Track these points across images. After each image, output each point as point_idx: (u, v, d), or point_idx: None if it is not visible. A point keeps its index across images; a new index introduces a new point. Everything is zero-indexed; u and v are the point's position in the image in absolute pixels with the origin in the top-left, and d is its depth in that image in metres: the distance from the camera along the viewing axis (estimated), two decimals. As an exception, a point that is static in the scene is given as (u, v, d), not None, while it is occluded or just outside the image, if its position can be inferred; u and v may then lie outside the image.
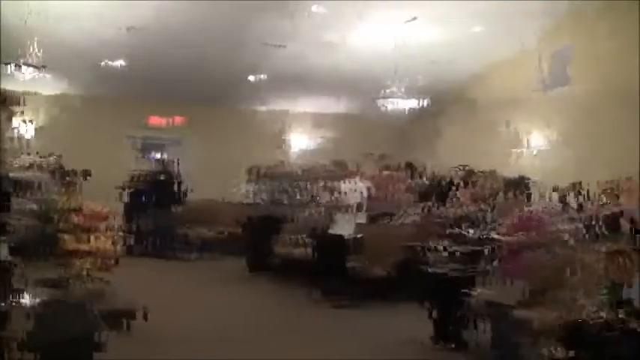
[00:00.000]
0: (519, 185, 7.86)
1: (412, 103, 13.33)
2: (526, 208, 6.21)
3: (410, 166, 10.06)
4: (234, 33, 12.59)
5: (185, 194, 13.34)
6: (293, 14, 11.95)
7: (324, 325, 7.90)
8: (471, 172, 9.42)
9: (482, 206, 7.01)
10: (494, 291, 6.05)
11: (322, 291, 9.15)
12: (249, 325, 7.73)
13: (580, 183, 11.21)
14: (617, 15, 12.11)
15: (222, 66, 13.93)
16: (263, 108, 16.76)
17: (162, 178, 12.85)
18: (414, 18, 12.08)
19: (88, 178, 13.01)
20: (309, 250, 9.74)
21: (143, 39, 12.25)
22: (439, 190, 9.90)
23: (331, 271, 8.97)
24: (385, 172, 10.39)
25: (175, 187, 12.97)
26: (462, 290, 6.81)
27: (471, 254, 6.73)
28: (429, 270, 6.88)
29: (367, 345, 7.04)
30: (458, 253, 6.78)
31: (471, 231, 6.56)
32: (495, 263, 6.24)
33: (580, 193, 11.18)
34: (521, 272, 5.91)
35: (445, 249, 6.99)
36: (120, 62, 13.21)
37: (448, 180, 9.66)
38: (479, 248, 6.69)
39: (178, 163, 13.54)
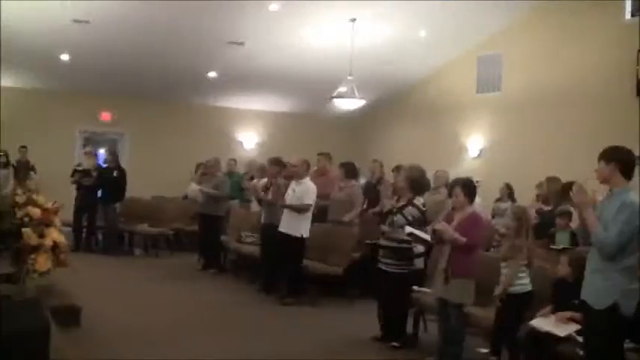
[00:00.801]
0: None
1: (362, 103, 13.55)
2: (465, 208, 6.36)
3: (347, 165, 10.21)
4: (189, 30, 12.59)
5: (128, 190, 13.17)
6: (248, 13, 12.03)
7: (276, 323, 7.96)
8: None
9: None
10: (442, 289, 6.19)
11: (273, 289, 9.21)
12: (199, 322, 7.73)
13: (509, 184, 11.99)
14: (542, 26, 13.27)
15: (176, 62, 13.93)
16: (215, 105, 16.78)
17: (110, 173, 12.66)
18: (354, 19, 12.33)
19: (35, 173, 13.07)
20: (260, 249, 9.79)
21: (98, 33, 12.17)
22: (377, 190, 10.21)
23: (282, 269, 9.04)
24: (332, 172, 10.50)
25: (123, 183, 12.80)
26: (409, 288, 7.02)
27: (404, 250, 6.91)
28: (380, 267, 7.03)
29: (318, 343, 7.13)
30: (398, 250, 6.93)
31: (408, 229, 6.70)
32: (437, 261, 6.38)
33: (511, 194, 11.85)
34: (464, 270, 6.10)
35: (382, 246, 7.12)
36: (69, 56, 13.12)
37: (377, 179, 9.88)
38: (408, 246, 6.89)
39: (118, 158, 13.35)
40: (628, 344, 4.87)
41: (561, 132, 12.60)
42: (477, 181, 13.17)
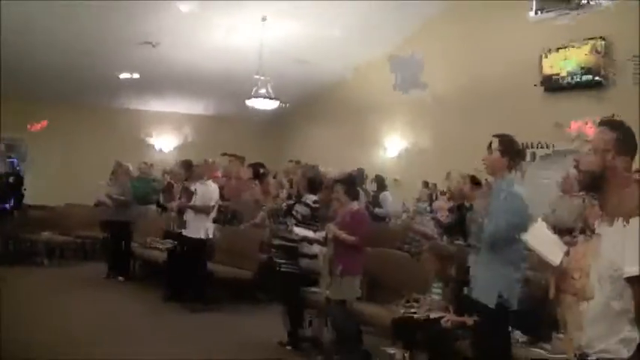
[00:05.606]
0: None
1: (277, 104, 13.34)
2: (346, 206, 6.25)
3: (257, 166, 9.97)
4: (100, 31, 12.15)
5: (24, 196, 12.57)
6: (160, 13, 11.69)
7: (183, 330, 7.66)
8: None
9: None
10: (334, 288, 6.06)
11: (181, 295, 8.88)
12: (107, 331, 7.38)
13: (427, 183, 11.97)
14: (463, 21, 13.22)
15: (86, 64, 13.38)
16: (127, 107, 16.27)
17: (12, 180, 12.03)
18: (264, 18, 12.11)
19: None
20: (167, 254, 9.45)
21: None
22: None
23: (191, 274, 8.72)
24: (236, 174, 10.29)
25: (27, 191, 12.20)
26: (304, 288, 6.83)
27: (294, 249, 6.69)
28: (281, 269, 6.79)
29: (225, 347, 6.88)
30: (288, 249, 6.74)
31: (297, 229, 6.52)
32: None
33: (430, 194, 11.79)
34: (357, 269, 5.95)
35: (275, 246, 6.94)
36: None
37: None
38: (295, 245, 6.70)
39: (18, 165, 12.71)
40: (521, 337, 4.84)
41: (475, 129, 12.59)
42: (395, 179, 13.28)
